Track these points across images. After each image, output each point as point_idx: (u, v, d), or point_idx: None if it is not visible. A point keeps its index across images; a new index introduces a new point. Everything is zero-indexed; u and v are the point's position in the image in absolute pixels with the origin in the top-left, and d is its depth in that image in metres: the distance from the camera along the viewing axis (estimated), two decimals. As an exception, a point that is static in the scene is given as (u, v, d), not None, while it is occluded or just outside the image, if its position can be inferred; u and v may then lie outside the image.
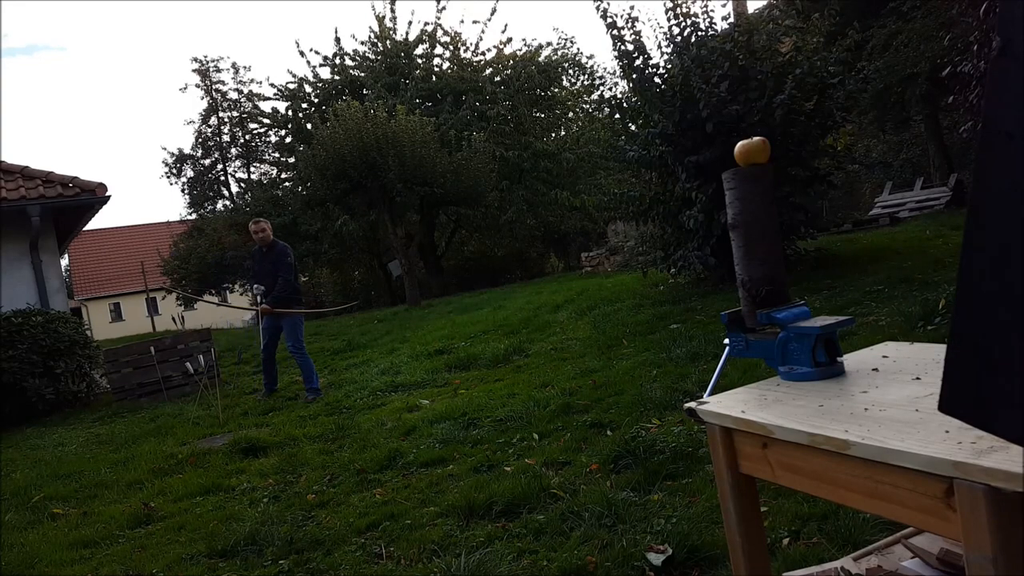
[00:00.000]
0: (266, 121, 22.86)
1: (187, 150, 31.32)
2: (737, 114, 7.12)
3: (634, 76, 8.06)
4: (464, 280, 22.15)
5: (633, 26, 8.06)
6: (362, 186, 14.70)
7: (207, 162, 31.49)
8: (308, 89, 21.04)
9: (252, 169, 30.37)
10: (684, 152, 7.53)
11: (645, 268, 8.99)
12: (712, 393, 1.66)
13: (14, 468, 5.68)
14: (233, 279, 23.79)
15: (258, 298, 7.02)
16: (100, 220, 43.73)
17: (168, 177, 31.73)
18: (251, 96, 26.61)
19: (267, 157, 28.52)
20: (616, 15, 8.07)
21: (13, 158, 11.72)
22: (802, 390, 1.49)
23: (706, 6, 7.84)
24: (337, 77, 20.72)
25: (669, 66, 7.95)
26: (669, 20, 7.84)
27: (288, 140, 21.94)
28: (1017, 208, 0.87)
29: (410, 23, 29.66)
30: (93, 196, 9.95)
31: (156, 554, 3.38)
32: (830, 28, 8.15)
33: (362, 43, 21.10)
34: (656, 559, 2.43)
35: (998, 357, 0.91)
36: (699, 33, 7.73)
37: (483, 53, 21.16)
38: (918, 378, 1.40)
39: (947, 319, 4.32)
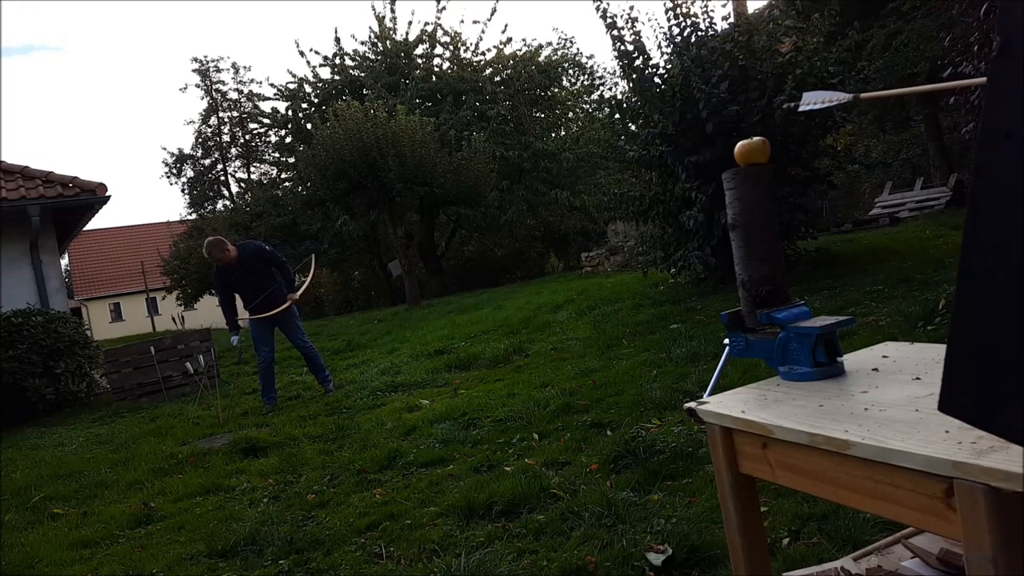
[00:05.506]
0: (266, 121, 22.86)
1: (187, 150, 31.39)
2: (737, 114, 7.12)
3: (634, 76, 8.05)
4: (464, 280, 22.11)
5: (633, 26, 8.05)
6: (362, 186, 14.70)
7: (207, 162, 31.52)
8: (308, 89, 21.03)
9: (252, 169, 30.38)
10: (684, 152, 7.53)
11: (645, 268, 8.98)
12: (712, 393, 1.66)
13: (14, 468, 5.68)
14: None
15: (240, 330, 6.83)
16: (100, 220, 43.81)
17: (168, 177, 31.85)
18: (251, 96, 26.66)
19: (267, 157, 28.54)
20: (616, 15, 8.06)
21: (13, 158, 11.73)
22: (802, 390, 1.49)
23: (706, 6, 7.84)
24: (337, 77, 20.71)
25: (669, 66, 7.95)
26: (669, 20, 7.83)
27: (288, 140, 21.95)
28: (1016, 208, 0.87)
29: (410, 23, 29.66)
30: (93, 196, 9.96)
31: (156, 554, 3.38)
32: (830, 28, 8.13)
33: (362, 43, 21.12)
34: (656, 559, 2.43)
35: (998, 357, 0.91)
36: (699, 33, 7.72)
37: (483, 53, 21.18)
38: (918, 378, 1.40)
39: (947, 319, 4.31)
